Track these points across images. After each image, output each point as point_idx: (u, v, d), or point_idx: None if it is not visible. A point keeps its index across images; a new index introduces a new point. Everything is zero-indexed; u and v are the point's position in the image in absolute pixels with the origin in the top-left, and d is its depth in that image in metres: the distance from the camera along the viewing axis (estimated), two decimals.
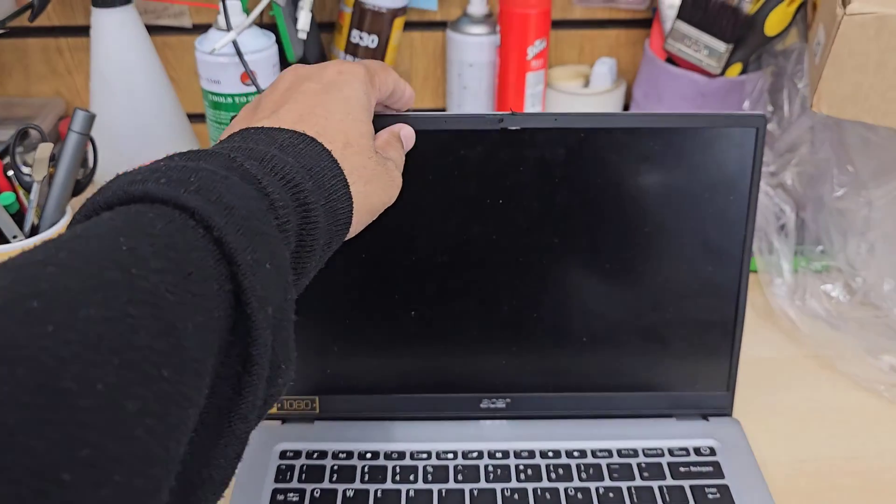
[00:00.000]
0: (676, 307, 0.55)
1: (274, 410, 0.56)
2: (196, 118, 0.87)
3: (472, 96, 0.89)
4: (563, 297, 0.54)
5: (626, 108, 0.93)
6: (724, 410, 0.57)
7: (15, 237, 0.62)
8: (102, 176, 0.78)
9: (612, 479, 0.52)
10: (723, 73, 0.80)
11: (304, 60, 0.85)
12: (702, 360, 0.56)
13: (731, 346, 0.55)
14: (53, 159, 0.64)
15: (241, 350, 0.31)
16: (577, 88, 0.90)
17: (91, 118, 0.65)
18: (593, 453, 0.54)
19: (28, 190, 0.63)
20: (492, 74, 0.88)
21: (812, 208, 0.77)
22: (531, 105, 0.86)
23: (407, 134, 0.48)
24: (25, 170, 0.64)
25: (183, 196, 0.30)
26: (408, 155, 0.48)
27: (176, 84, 0.84)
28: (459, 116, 0.51)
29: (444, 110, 0.96)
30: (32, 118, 0.87)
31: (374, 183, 0.41)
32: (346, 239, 0.41)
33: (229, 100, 0.73)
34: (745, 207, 0.53)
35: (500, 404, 0.56)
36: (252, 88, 0.72)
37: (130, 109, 0.76)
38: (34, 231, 0.64)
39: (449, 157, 0.51)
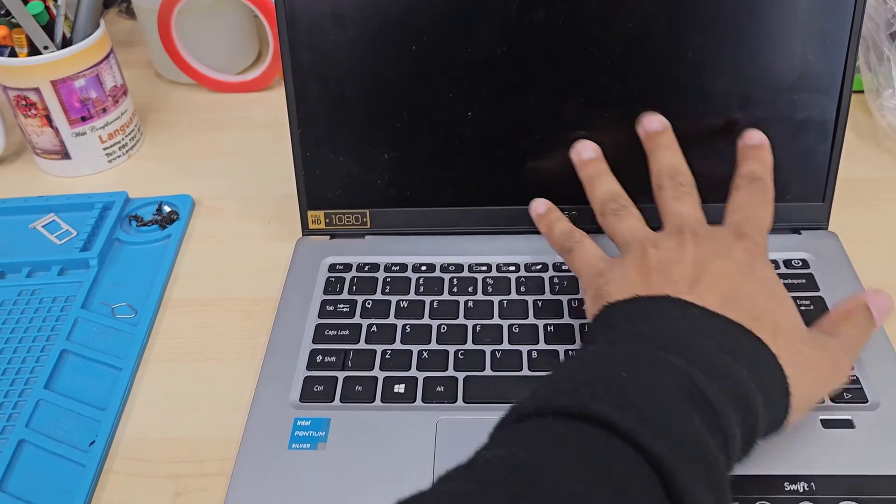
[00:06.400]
0: (768, 103, 0.48)
1: (322, 226, 0.52)
2: None
3: None
4: (637, 93, 0.48)
5: None
6: (819, 223, 0.51)
7: (46, 48, 0.59)
8: None
9: None
10: None
11: None
12: (795, 166, 0.50)
13: (830, 150, 0.49)
14: None
15: None
16: None
17: None
18: None
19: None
20: None
21: None
22: None
23: (882, 304, 0.39)
24: None
25: (643, 436, 0.29)
26: None
27: None
28: None
29: None
30: None
31: (810, 373, 0.36)
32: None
33: None
34: None
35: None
36: None
37: None
38: (66, 43, 0.60)
39: None
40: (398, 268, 0.50)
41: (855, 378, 0.42)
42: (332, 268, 0.50)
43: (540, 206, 0.48)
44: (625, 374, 0.31)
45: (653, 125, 0.46)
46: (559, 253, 0.46)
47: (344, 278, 0.50)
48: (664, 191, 0.44)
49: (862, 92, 0.65)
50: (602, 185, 0.46)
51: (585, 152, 0.48)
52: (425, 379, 0.43)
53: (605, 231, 0.44)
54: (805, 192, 0.50)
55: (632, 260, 0.40)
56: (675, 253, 0.39)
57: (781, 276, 0.48)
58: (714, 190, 0.51)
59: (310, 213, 0.52)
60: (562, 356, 0.44)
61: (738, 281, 0.37)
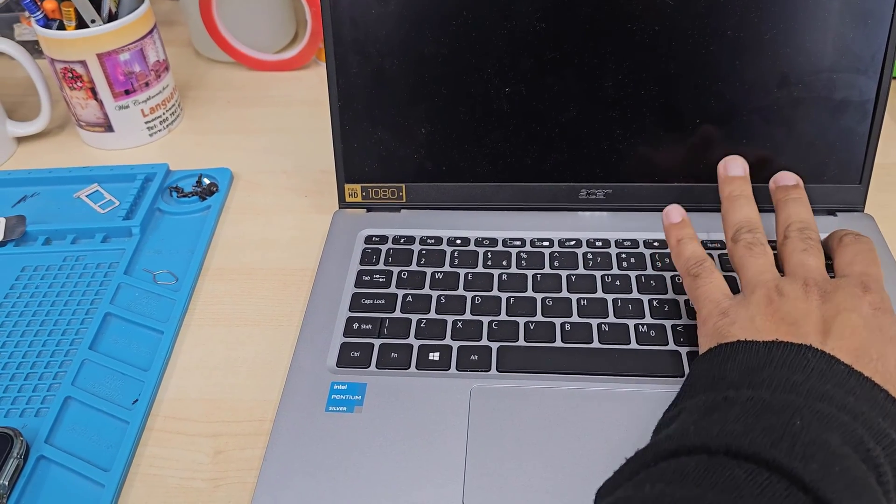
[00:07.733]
0: (807, 82, 0.48)
1: (359, 199, 0.53)
2: None
3: None
4: (674, 70, 0.48)
5: None
6: (855, 206, 0.51)
7: (93, 21, 0.60)
8: None
9: (725, 269, 0.48)
10: None
11: None
12: (832, 147, 0.50)
13: (869, 131, 0.49)
14: None
15: None
16: None
17: None
18: (703, 244, 0.49)
19: None
20: None
21: None
22: None
23: None
24: None
25: (833, 498, 0.28)
26: None
27: None
28: None
29: None
30: None
31: None
32: None
33: None
34: None
35: (600, 194, 0.52)
36: None
37: None
38: (112, 17, 0.62)
39: None
40: (433, 241, 0.51)
41: None
42: (368, 239, 0.51)
43: (675, 215, 0.45)
44: (799, 422, 0.31)
45: (786, 179, 0.46)
46: (681, 274, 0.44)
47: (380, 250, 0.50)
48: (791, 241, 0.43)
49: None
50: (741, 209, 0.45)
51: (734, 169, 0.47)
52: (459, 348, 0.44)
53: (731, 259, 0.43)
54: (842, 174, 0.50)
55: (758, 304, 0.39)
56: (803, 304, 0.38)
57: None
58: (754, 170, 0.51)
59: (347, 186, 0.53)
60: (594, 330, 0.45)
61: (868, 338, 0.36)
